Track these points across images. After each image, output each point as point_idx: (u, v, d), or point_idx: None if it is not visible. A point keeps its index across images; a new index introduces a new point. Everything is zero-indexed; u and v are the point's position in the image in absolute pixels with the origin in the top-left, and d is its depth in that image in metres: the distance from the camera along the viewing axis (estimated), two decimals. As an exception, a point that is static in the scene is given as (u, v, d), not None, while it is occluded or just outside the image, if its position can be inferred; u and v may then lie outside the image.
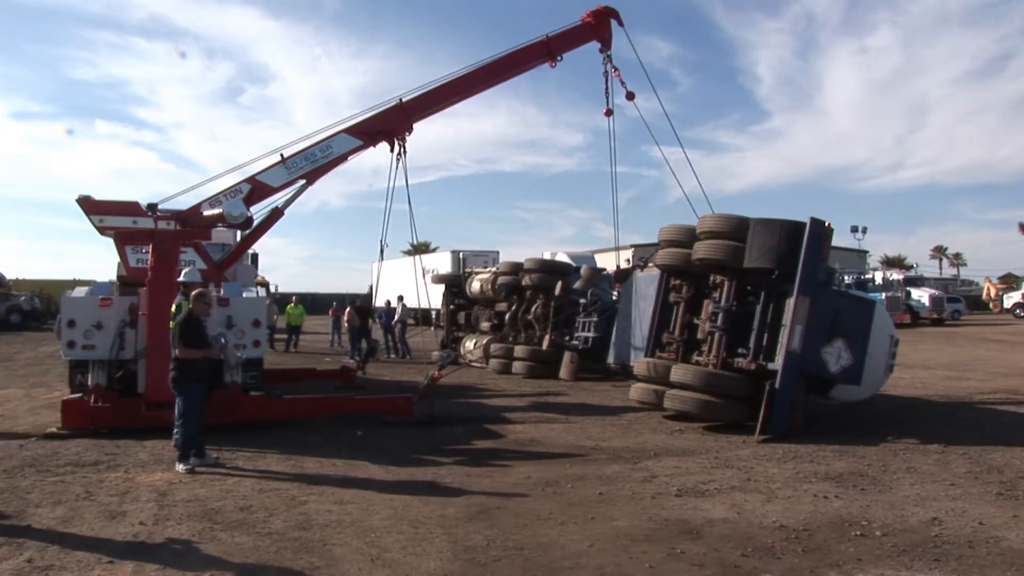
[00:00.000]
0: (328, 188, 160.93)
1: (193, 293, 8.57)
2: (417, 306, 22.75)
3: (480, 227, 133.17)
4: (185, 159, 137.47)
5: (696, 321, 11.39)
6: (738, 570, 5.18)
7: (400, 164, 12.20)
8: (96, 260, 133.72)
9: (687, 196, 13.54)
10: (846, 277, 30.57)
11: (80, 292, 10.92)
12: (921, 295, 37.94)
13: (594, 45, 13.56)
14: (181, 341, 8.13)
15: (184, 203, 11.59)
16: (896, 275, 41.73)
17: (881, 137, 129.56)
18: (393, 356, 22.69)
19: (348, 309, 23.09)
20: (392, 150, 12.28)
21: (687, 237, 11.47)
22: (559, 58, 13.23)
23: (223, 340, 8.74)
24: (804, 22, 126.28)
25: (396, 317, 23.31)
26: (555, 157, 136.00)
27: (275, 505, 6.73)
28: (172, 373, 8.21)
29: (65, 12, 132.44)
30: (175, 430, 8.32)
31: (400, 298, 23.42)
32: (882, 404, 12.29)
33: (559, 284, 17.73)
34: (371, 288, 30.84)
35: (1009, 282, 54.64)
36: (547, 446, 9.52)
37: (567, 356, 17.00)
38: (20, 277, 46.87)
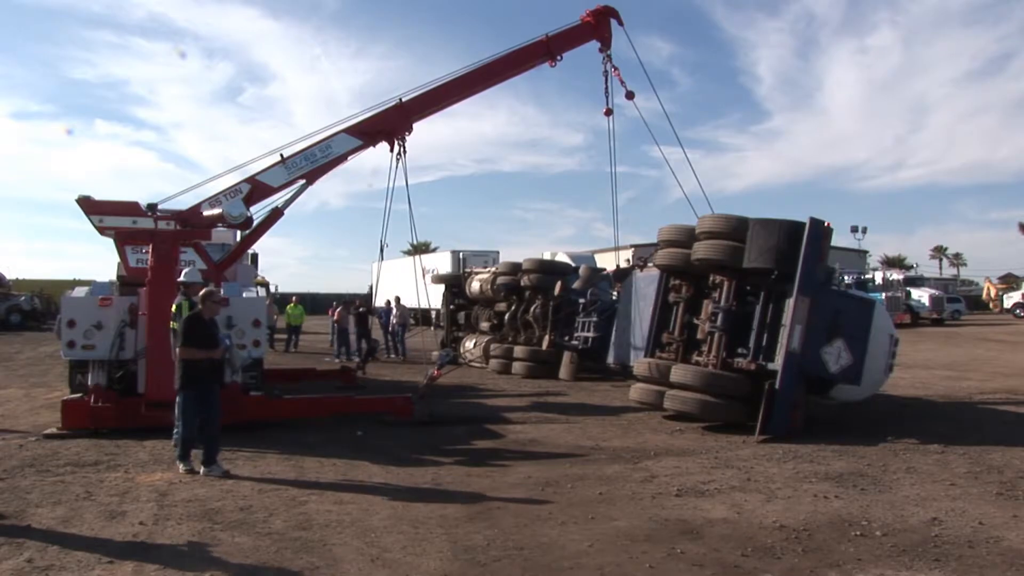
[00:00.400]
0: (328, 188, 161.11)
1: (201, 293, 8.39)
2: (417, 306, 22.74)
3: (480, 227, 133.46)
4: (185, 159, 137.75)
5: (696, 321, 11.39)
6: (738, 570, 5.18)
7: (400, 164, 12.23)
8: (96, 260, 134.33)
9: (687, 196, 13.58)
10: (846, 277, 30.54)
11: (80, 292, 10.93)
12: (921, 295, 37.93)
13: (594, 45, 13.55)
14: (182, 340, 7.97)
15: (184, 203, 11.60)
16: (896, 275, 41.72)
17: (881, 137, 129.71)
18: (393, 356, 22.70)
19: (339, 308, 23.05)
20: (392, 150, 12.28)
21: (686, 237, 11.47)
22: (559, 58, 13.23)
23: (228, 341, 8.56)
24: (804, 22, 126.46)
25: (393, 319, 23.19)
26: (555, 157, 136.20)
27: (275, 505, 6.72)
28: (177, 374, 8.06)
29: (65, 12, 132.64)
30: (175, 430, 8.31)
31: (397, 299, 23.38)
32: (882, 404, 12.29)
33: (558, 284, 17.73)
34: (371, 288, 30.89)
35: (1009, 282, 54.68)
36: (547, 446, 9.52)
37: (567, 356, 17.00)
38: (20, 277, 47.07)
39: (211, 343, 8.10)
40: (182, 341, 7.97)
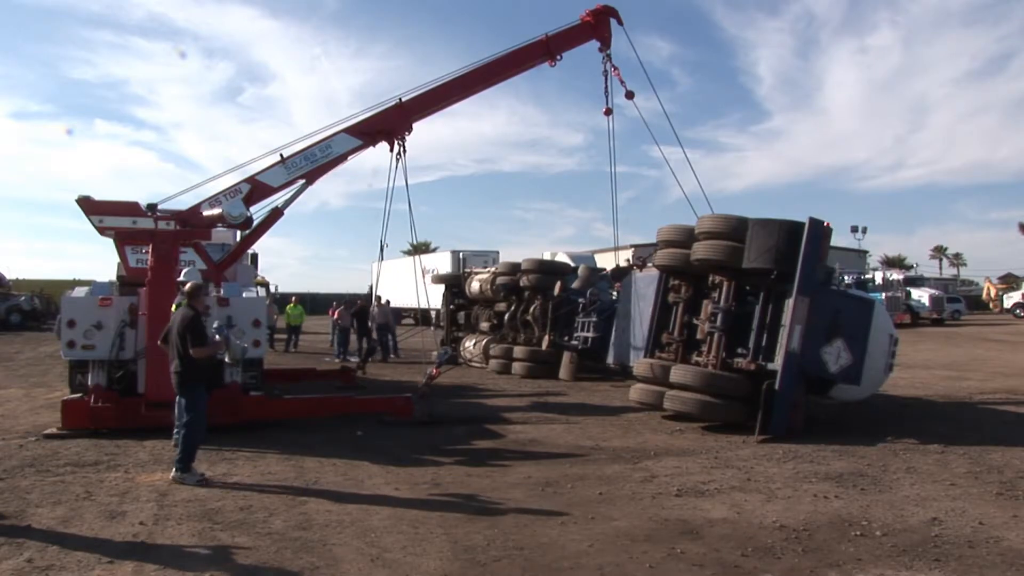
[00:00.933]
0: (328, 188, 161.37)
1: (191, 289, 8.09)
2: (417, 306, 22.67)
3: (480, 227, 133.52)
4: (185, 159, 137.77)
5: (695, 321, 11.39)
6: (738, 570, 5.19)
7: (400, 164, 12.22)
8: (96, 260, 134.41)
9: (687, 196, 13.56)
10: (846, 277, 30.53)
11: (80, 292, 10.91)
12: (921, 295, 37.92)
13: (594, 44, 13.55)
14: (197, 340, 7.65)
15: (184, 203, 11.58)
16: (896, 275, 41.71)
17: (881, 137, 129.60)
18: (393, 356, 22.63)
19: (340, 308, 22.95)
20: (392, 150, 12.28)
21: (686, 237, 11.46)
22: (559, 57, 13.23)
23: (225, 331, 8.28)
24: (804, 21, 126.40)
25: (375, 319, 22.82)
26: (555, 157, 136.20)
27: (275, 505, 6.73)
28: (181, 375, 7.71)
29: (65, 12, 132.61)
30: (175, 430, 8.24)
31: (378, 299, 23.20)
32: (882, 404, 12.30)
33: (557, 284, 17.74)
34: (371, 288, 30.88)
35: (1009, 282, 54.68)
36: (547, 446, 9.52)
37: (566, 356, 17.00)
38: (20, 277, 47.08)
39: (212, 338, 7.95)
40: (198, 341, 7.65)
